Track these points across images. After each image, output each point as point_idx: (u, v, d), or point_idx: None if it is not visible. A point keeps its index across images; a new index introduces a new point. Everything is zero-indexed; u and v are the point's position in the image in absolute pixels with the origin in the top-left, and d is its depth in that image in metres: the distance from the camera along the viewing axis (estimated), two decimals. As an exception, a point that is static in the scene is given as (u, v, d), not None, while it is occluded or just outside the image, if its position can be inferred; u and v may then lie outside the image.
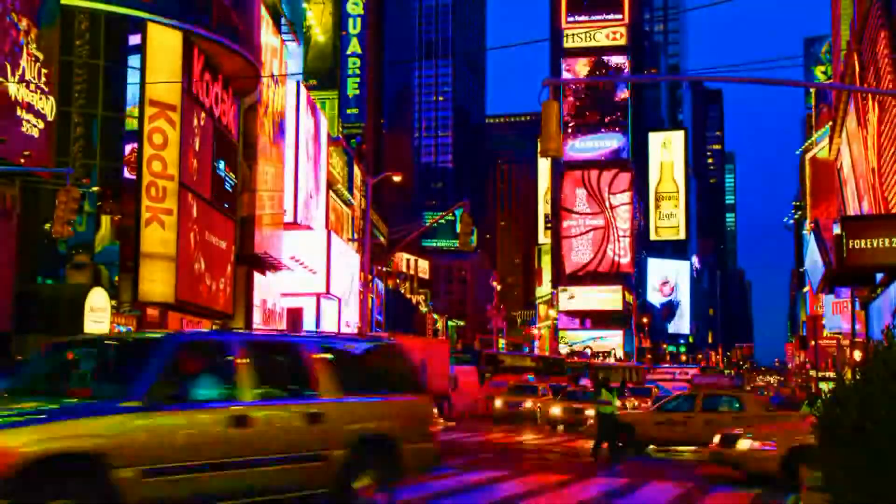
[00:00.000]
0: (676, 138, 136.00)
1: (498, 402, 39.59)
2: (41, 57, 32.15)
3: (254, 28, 45.22)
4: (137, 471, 7.56)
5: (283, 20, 52.66)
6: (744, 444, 15.79)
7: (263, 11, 47.50)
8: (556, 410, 33.89)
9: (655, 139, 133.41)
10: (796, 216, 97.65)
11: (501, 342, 79.76)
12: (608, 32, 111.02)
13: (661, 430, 22.85)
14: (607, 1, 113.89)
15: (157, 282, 36.84)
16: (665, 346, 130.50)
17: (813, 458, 8.73)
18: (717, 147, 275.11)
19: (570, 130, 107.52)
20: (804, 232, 74.37)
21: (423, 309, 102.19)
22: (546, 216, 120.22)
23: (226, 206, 44.43)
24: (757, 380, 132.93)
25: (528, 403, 38.57)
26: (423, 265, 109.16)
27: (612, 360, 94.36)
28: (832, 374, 43.50)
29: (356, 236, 68.49)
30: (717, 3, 19.19)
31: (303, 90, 56.97)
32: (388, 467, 9.79)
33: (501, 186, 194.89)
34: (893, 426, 6.70)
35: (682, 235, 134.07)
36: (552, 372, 54.20)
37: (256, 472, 8.46)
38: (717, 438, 16.81)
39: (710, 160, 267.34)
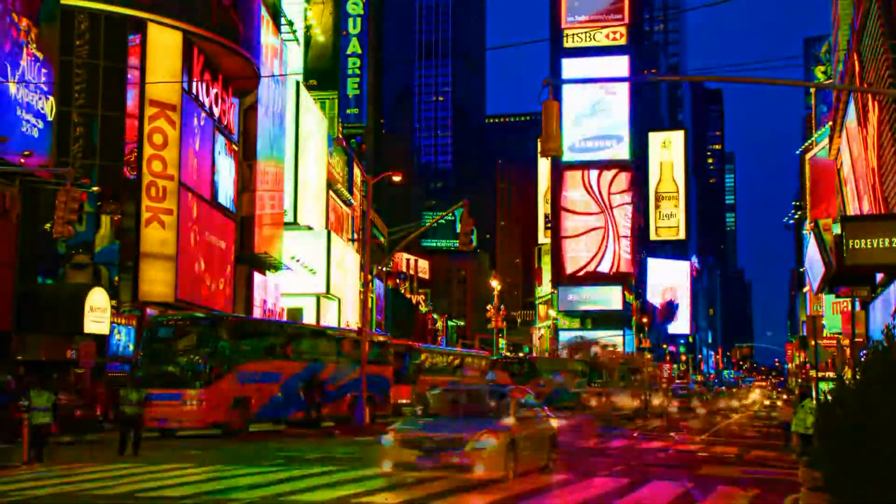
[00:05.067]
0: (676, 138, 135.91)
1: None
2: (41, 57, 32.15)
3: (254, 28, 45.21)
4: None
5: (282, 20, 52.63)
6: None
7: (263, 11, 47.49)
8: None
9: (655, 139, 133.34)
10: (796, 216, 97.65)
11: (501, 342, 79.74)
12: (608, 32, 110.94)
13: None
14: (607, 1, 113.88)
15: (156, 282, 36.86)
16: (665, 346, 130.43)
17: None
18: (717, 147, 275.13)
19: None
20: (804, 232, 74.33)
21: (423, 309, 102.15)
22: (546, 216, 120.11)
23: (226, 206, 44.44)
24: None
25: None
26: (423, 265, 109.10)
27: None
28: (832, 374, 43.45)
29: (356, 236, 68.45)
30: (717, 3, 19.20)
31: (303, 90, 56.95)
32: None
33: (501, 186, 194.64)
34: (893, 426, 6.70)
35: (682, 235, 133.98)
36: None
37: None
38: None
39: (710, 160, 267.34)
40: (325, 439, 26.40)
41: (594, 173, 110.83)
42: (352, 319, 62.23)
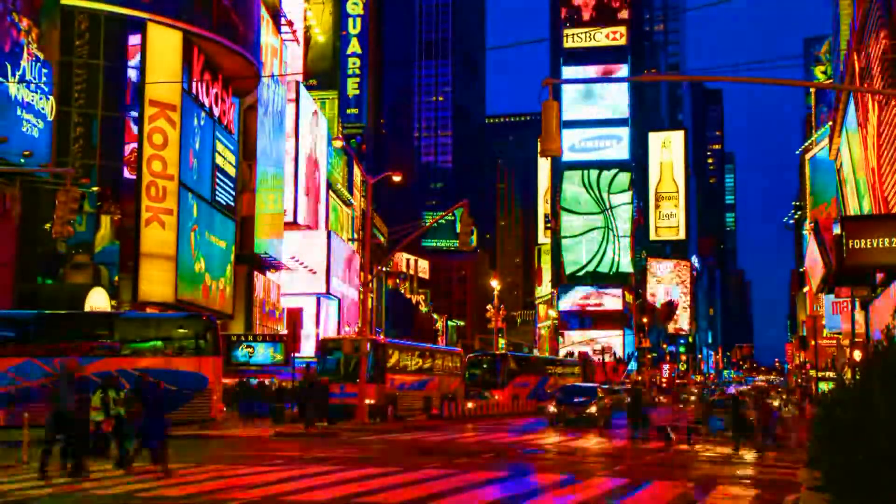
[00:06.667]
0: (676, 138, 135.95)
1: None
2: (42, 56, 32.15)
3: (254, 28, 45.21)
4: None
5: (282, 20, 52.64)
6: None
7: (263, 11, 47.50)
8: None
9: (655, 139, 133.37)
10: (796, 216, 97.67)
11: (501, 342, 79.73)
12: (608, 32, 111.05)
13: None
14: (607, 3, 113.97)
15: (156, 282, 36.84)
16: (665, 346, 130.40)
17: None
18: (717, 147, 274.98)
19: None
20: (804, 232, 74.37)
21: (423, 309, 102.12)
22: (546, 216, 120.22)
23: (226, 206, 44.45)
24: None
25: None
26: (423, 265, 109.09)
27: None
28: (832, 374, 43.49)
29: (356, 236, 68.43)
30: (717, 3, 19.20)
31: (303, 90, 56.95)
32: None
33: (501, 186, 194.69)
34: (893, 426, 6.69)
35: (681, 235, 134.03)
36: None
37: None
38: None
39: (710, 160, 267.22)
40: None
41: (594, 173, 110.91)
42: (352, 319, 62.24)
